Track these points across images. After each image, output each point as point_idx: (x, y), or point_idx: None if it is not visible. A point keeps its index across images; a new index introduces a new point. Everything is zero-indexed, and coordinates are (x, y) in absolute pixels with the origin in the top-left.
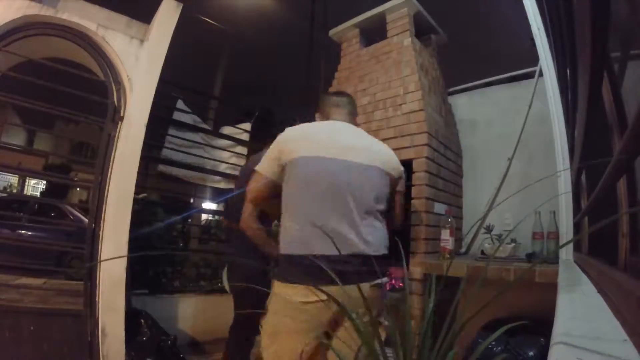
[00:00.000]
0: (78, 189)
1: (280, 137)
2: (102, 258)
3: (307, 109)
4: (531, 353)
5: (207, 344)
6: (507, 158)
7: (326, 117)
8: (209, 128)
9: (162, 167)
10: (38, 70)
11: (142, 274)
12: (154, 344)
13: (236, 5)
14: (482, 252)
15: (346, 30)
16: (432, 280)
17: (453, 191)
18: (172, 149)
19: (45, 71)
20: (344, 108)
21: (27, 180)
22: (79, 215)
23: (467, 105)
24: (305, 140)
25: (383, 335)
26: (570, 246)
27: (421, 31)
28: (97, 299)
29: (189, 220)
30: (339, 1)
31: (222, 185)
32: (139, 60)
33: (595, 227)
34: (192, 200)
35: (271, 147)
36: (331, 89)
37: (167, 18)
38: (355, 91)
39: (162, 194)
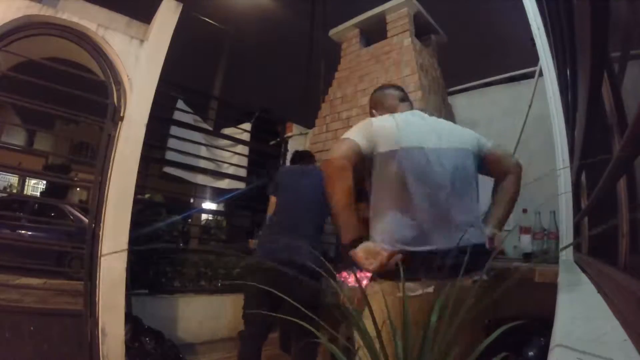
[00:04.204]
0: (78, 189)
1: (374, 122)
2: (102, 258)
3: (307, 109)
4: (531, 353)
5: (207, 344)
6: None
7: (391, 112)
8: (210, 128)
9: (167, 169)
10: (38, 70)
11: (142, 274)
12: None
13: (236, 5)
14: None
15: (346, 30)
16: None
17: None
18: (176, 150)
19: (45, 71)
20: (407, 100)
21: (27, 180)
22: (79, 215)
23: (467, 105)
24: (404, 131)
25: None
26: (571, 246)
27: (421, 31)
28: (97, 299)
29: (189, 220)
30: (339, 1)
31: (226, 185)
32: (139, 60)
33: (596, 231)
34: (192, 200)
35: (360, 127)
36: (331, 89)
37: (167, 18)
38: (355, 91)
39: (164, 194)
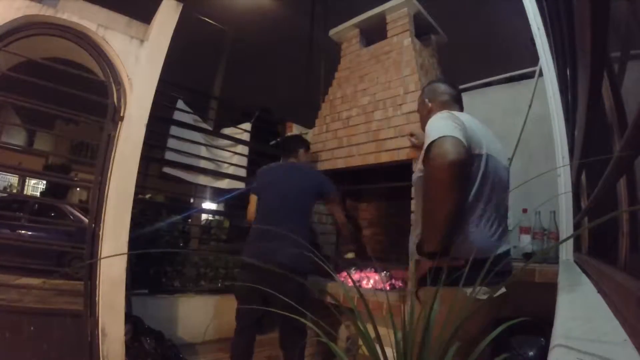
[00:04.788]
0: (78, 189)
1: (463, 120)
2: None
3: (307, 109)
4: (531, 353)
5: (207, 344)
6: (507, 158)
7: (441, 109)
8: (210, 128)
9: (166, 169)
10: (38, 70)
11: (142, 274)
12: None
13: (236, 5)
14: None
15: (346, 30)
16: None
17: None
18: (175, 150)
19: (45, 71)
20: (458, 104)
21: (27, 180)
22: (79, 215)
23: (467, 105)
24: (483, 135)
25: None
26: (571, 246)
27: (421, 31)
28: (97, 299)
29: (189, 220)
30: (339, 1)
31: (226, 185)
32: (139, 60)
33: (593, 224)
34: (192, 201)
35: (451, 122)
36: (331, 89)
37: (167, 18)
38: (355, 91)
39: (164, 195)
